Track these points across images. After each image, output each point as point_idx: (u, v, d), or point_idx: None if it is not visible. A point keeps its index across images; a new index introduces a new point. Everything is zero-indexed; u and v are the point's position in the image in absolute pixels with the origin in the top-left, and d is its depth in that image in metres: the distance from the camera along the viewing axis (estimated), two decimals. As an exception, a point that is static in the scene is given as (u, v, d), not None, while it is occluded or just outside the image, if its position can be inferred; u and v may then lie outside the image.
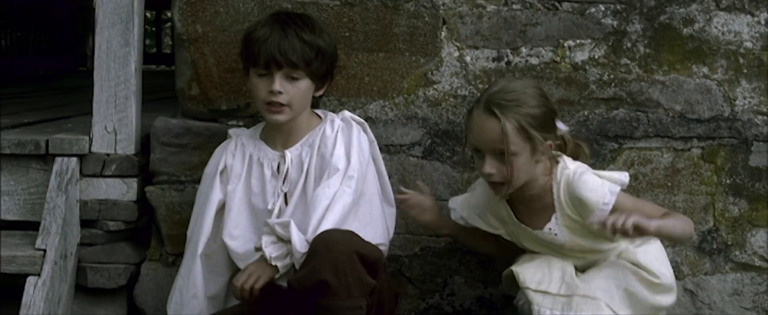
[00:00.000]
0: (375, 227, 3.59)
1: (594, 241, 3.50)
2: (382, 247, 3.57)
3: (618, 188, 3.36)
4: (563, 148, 3.52)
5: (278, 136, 3.73)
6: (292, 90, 3.59)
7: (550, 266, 3.51)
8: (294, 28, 3.60)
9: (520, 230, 3.58)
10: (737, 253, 4.03)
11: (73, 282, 4.05)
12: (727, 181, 4.01)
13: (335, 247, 3.27)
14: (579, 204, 3.40)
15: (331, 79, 3.77)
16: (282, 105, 3.59)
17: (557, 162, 3.47)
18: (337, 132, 3.66)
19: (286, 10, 3.91)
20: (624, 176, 3.40)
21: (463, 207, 3.74)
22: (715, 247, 4.03)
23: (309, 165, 3.65)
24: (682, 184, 3.98)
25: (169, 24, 12.18)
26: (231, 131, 3.85)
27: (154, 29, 16.18)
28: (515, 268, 3.54)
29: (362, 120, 3.76)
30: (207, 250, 3.73)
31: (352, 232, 3.40)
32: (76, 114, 5.00)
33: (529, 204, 3.52)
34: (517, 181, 3.39)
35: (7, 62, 10.63)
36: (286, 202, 3.66)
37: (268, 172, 3.71)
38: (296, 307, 3.42)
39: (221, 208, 3.74)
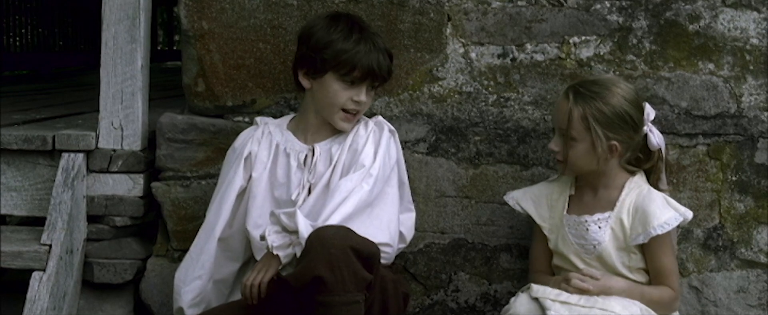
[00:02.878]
0: (385, 228, 3.59)
1: (619, 260, 3.59)
2: (387, 248, 3.57)
3: (680, 220, 3.53)
4: (642, 161, 3.64)
5: (309, 130, 3.77)
6: (370, 101, 3.77)
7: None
8: (374, 39, 3.73)
9: (562, 226, 3.65)
10: (743, 250, 4.02)
11: (79, 277, 4.07)
12: (733, 178, 4.00)
13: (330, 242, 3.26)
14: (641, 215, 3.54)
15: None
16: (357, 113, 3.72)
17: (632, 173, 3.62)
18: (370, 133, 3.71)
19: (339, 12, 3.91)
20: (689, 213, 3.56)
21: (521, 193, 3.79)
22: (720, 244, 4.02)
23: (337, 159, 3.68)
24: (687, 180, 3.98)
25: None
26: (258, 119, 3.86)
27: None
28: (534, 285, 3.53)
29: (393, 128, 3.78)
30: (223, 234, 3.74)
31: (347, 228, 3.39)
32: (90, 110, 5.02)
33: (596, 193, 3.64)
34: (573, 164, 3.56)
35: (32, 58, 10.68)
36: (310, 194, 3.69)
37: (294, 163, 3.73)
38: (296, 304, 3.43)
39: (241, 193, 3.75)
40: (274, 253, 3.45)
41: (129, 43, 4.09)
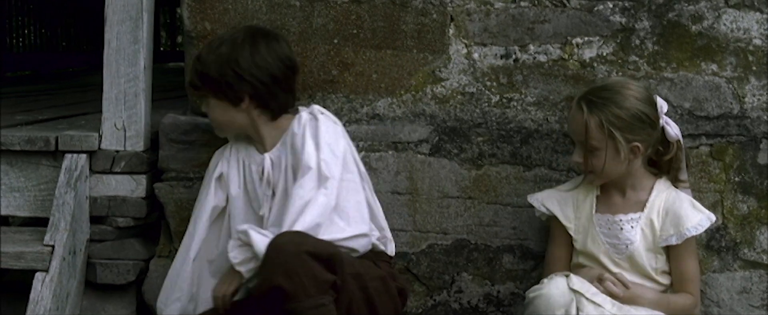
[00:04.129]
0: (353, 220, 3.54)
1: (648, 261, 3.62)
2: (361, 239, 3.54)
3: (710, 223, 3.60)
4: (662, 154, 3.67)
5: (264, 139, 3.74)
6: (211, 113, 3.75)
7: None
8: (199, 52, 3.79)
9: (591, 226, 3.66)
10: (746, 250, 4.02)
11: (82, 278, 4.07)
12: (736, 178, 4.00)
13: (284, 249, 3.28)
14: (673, 217, 3.60)
15: (271, 93, 3.70)
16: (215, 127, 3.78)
17: (658, 176, 3.67)
18: (305, 127, 3.64)
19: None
20: (713, 216, 3.64)
21: (545, 194, 3.80)
22: (723, 244, 4.02)
23: (285, 165, 3.66)
24: (690, 181, 3.97)
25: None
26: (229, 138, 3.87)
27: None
28: (574, 276, 3.51)
29: (328, 113, 3.73)
30: (209, 256, 3.75)
31: (300, 233, 3.38)
32: (92, 111, 5.01)
33: (625, 195, 3.67)
34: (600, 174, 3.58)
35: (35, 59, 10.68)
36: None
37: (255, 177, 3.73)
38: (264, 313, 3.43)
39: (220, 214, 3.77)
40: (236, 269, 3.46)
41: (132, 44, 4.09)
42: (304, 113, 3.69)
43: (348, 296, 3.40)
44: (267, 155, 3.70)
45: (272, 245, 3.32)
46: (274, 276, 3.25)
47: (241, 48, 3.63)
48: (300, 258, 3.26)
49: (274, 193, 3.67)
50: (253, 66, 3.61)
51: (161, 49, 15.90)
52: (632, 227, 3.61)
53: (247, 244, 3.41)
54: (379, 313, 3.54)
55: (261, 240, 3.37)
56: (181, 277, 3.76)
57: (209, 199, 3.76)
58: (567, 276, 3.45)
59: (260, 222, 3.67)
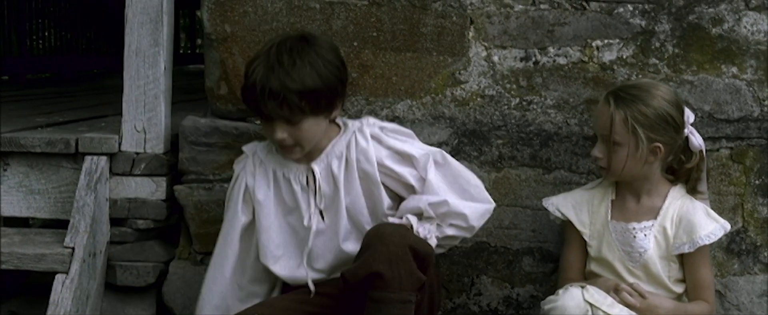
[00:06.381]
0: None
1: (662, 269, 3.61)
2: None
3: (724, 232, 3.60)
4: (683, 162, 3.65)
5: (314, 149, 3.61)
6: (295, 132, 3.49)
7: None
8: (279, 71, 3.43)
9: (607, 232, 3.65)
10: (766, 254, 4.01)
11: (102, 280, 4.08)
12: (756, 181, 3.99)
13: (390, 239, 3.26)
14: (686, 225, 3.59)
15: (342, 98, 3.60)
16: (293, 146, 3.52)
17: (673, 183, 3.67)
18: (370, 140, 3.59)
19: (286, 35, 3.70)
20: (728, 225, 3.63)
21: (560, 198, 3.79)
22: (743, 248, 4.01)
23: (340, 176, 3.59)
24: (710, 184, 3.95)
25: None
26: (246, 148, 3.75)
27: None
28: (591, 287, 3.51)
29: (374, 122, 3.68)
30: (239, 279, 3.72)
31: (405, 227, 3.40)
32: (113, 113, 5.03)
33: (639, 200, 3.65)
34: (616, 170, 3.57)
35: (55, 61, 10.72)
36: (322, 216, 3.63)
37: (297, 188, 3.63)
38: (347, 299, 3.43)
39: (248, 227, 3.70)
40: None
41: (152, 47, 4.09)
42: (364, 126, 3.62)
43: (423, 296, 3.40)
44: (315, 166, 3.59)
45: (376, 234, 3.31)
46: (377, 263, 3.23)
47: (327, 52, 3.52)
48: (404, 251, 3.26)
49: (321, 210, 3.63)
50: (344, 69, 3.58)
51: (181, 51, 15.95)
52: (645, 235, 3.60)
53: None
54: None
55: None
56: (214, 296, 3.72)
57: (238, 216, 3.67)
58: (583, 287, 3.45)
59: (297, 235, 3.64)
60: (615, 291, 3.47)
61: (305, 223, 3.62)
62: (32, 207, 4.19)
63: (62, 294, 3.79)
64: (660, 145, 3.52)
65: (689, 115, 3.60)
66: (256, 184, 3.66)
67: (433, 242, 3.45)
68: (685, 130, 3.59)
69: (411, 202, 3.53)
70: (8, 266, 3.88)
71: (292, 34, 3.62)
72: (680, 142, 3.59)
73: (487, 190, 3.75)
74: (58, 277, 3.83)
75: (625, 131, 3.50)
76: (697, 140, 3.62)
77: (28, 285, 4.44)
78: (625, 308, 3.43)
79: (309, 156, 3.59)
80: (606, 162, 3.58)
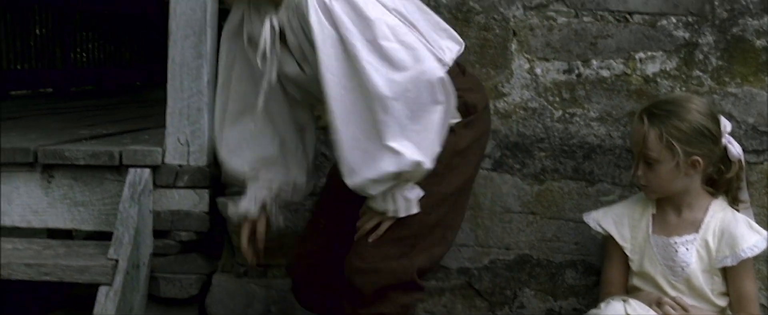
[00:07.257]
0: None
1: (706, 283, 3.58)
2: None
3: (766, 244, 3.56)
4: (723, 173, 3.63)
5: None
6: None
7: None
8: None
9: (648, 246, 3.63)
10: (811, 267, 3.99)
11: (145, 292, 4.09)
12: (801, 194, 3.97)
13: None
14: (728, 238, 3.56)
15: None
16: None
17: (714, 196, 3.63)
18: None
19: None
20: None
21: (601, 213, 3.77)
22: (788, 261, 3.99)
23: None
24: (754, 197, 3.93)
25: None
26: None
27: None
28: (633, 301, 3.49)
29: None
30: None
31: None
32: (155, 126, 5.04)
33: (680, 214, 3.63)
34: (658, 187, 3.56)
35: (98, 73, 10.79)
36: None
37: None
38: None
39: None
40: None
41: (195, 59, 4.11)
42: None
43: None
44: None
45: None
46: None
47: None
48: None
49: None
50: None
51: (223, 63, 15.99)
52: (687, 249, 3.58)
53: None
54: None
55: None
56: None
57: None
58: (625, 301, 3.43)
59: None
60: (657, 305, 3.45)
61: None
62: (76, 219, 4.21)
63: (106, 305, 3.80)
64: (699, 158, 3.50)
65: (726, 125, 3.58)
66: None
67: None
68: (723, 141, 3.57)
69: None
70: (52, 278, 3.89)
71: None
72: (718, 154, 3.57)
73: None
74: (102, 289, 3.84)
75: (661, 148, 3.47)
76: (735, 149, 3.60)
77: (72, 297, 4.46)
78: None
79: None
80: (646, 179, 3.56)
